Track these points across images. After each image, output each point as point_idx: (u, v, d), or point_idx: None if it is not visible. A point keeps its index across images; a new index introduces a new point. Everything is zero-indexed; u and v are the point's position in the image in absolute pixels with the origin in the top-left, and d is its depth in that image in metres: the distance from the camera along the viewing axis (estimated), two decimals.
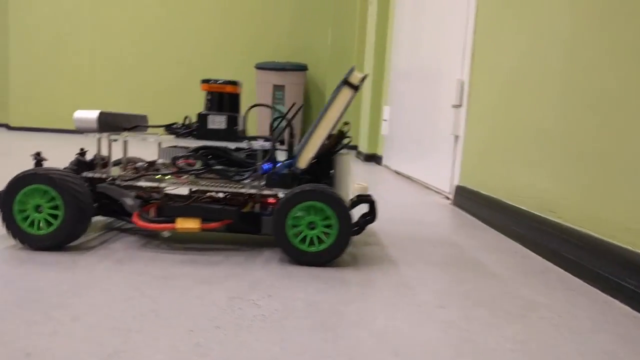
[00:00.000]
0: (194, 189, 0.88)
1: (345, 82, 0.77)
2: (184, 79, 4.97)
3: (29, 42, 4.84)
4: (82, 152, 0.89)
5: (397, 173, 2.85)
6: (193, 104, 4.96)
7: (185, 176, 0.85)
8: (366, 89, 3.83)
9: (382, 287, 0.73)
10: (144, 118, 0.97)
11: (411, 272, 0.81)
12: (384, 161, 3.32)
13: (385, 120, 3.36)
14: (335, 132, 0.85)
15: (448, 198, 1.90)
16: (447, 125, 1.97)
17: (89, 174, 0.82)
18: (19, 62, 4.84)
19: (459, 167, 1.79)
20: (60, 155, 2.51)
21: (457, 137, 1.87)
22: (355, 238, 1.02)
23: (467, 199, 1.63)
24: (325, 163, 0.83)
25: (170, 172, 0.87)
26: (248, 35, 4.98)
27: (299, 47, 4.99)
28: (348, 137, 0.88)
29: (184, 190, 0.88)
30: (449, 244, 1.09)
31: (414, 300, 0.68)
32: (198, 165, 0.86)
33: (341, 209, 0.73)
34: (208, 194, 0.86)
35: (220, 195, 0.86)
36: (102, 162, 0.89)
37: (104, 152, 0.90)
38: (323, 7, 4.93)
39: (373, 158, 3.70)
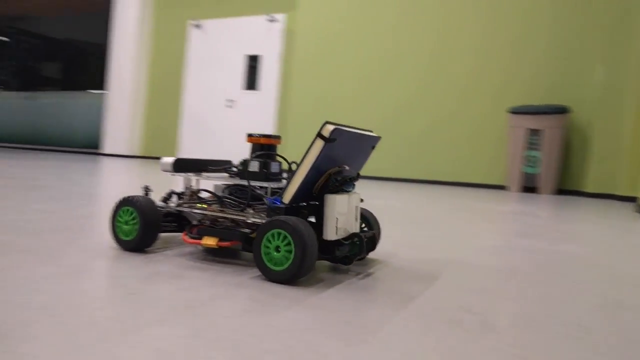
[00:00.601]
0: (208, 214, 1.05)
1: (319, 135, 0.88)
2: (429, 127, 5.01)
3: (307, 97, 5.63)
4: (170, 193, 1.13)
5: None
6: (441, 153, 4.95)
7: (215, 205, 1.04)
8: None
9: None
10: (219, 162, 1.18)
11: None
12: None
13: None
14: (328, 174, 0.95)
15: None
16: None
17: (159, 202, 1.10)
18: (296, 115, 5.65)
19: None
20: None
21: None
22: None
23: None
24: (321, 200, 0.95)
25: (204, 201, 1.06)
26: (498, 76, 4.75)
27: (557, 86, 4.51)
28: (349, 178, 0.96)
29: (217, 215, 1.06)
30: None
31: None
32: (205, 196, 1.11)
33: (299, 237, 0.84)
34: (231, 217, 1.02)
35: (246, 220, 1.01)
36: (189, 192, 1.11)
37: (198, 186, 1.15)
38: (587, 40, 4.36)
39: None
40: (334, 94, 5.45)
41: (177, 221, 1.11)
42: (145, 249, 1.03)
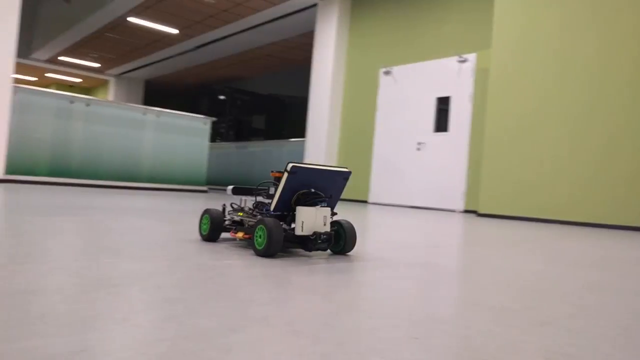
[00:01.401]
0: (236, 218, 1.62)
1: (285, 170, 1.38)
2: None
3: (500, 132, 5.37)
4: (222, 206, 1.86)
5: None
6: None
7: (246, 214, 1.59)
8: None
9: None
10: (260, 188, 1.64)
11: None
12: None
13: None
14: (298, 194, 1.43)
15: None
16: None
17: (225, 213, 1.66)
18: (490, 152, 5.41)
19: None
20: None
21: None
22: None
23: None
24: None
25: (240, 211, 1.62)
26: None
27: None
28: (317, 195, 1.44)
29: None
30: None
31: None
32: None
33: (269, 230, 1.33)
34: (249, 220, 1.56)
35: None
36: (235, 206, 1.68)
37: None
38: None
39: None
40: (531, 130, 5.07)
41: (235, 224, 1.61)
42: (214, 240, 1.61)
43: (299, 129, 13.50)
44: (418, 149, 6.81)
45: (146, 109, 6.49)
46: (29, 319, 0.64)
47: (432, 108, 6.72)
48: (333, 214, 1.47)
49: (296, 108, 14.45)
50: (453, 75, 6.50)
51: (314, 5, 8.22)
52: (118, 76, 15.14)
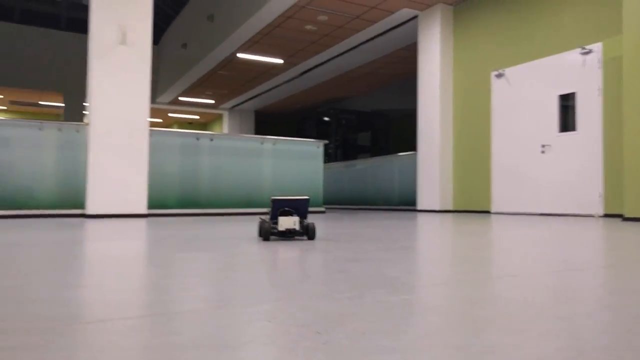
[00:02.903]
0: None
1: (270, 201, 2.58)
2: None
3: None
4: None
5: None
6: None
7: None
8: None
9: None
10: (300, 200, 2.62)
11: None
12: None
13: None
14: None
15: None
16: None
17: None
18: (632, 148, 4.87)
19: None
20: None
21: None
22: None
23: None
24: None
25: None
26: None
27: None
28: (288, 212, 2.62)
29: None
30: None
31: None
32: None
33: (261, 226, 2.55)
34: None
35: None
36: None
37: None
38: None
39: None
40: None
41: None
42: (267, 240, 2.50)
43: (404, 143, 13.36)
44: (542, 152, 6.36)
45: (263, 138, 6.84)
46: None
47: (554, 107, 6.25)
48: (303, 220, 2.59)
49: (401, 122, 14.32)
50: (576, 69, 6.01)
51: (415, 17, 8.15)
52: (230, 109, 16.21)
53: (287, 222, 2.51)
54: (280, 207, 2.56)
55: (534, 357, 0.69)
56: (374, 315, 0.93)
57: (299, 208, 2.61)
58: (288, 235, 2.56)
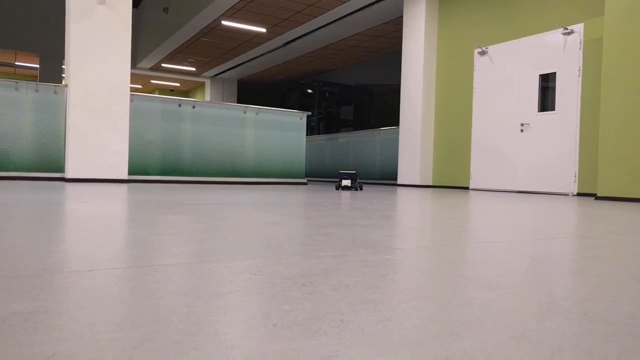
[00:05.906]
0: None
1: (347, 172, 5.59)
2: None
3: (618, 107, 4.93)
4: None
5: None
6: None
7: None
8: None
9: None
10: (352, 173, 5.28)
11: None
12: None
13: None
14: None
15: None
16: None
17: None
18: (608, 130, 4.98)
19: None
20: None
21: None
22: None
23: None
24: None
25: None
26: None
27: None
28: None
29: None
30: None
31: None
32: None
33: (337, 183, 5.76)
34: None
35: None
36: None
37: None
38: None
39: None
40: None
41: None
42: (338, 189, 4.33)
43: (387, 118, 13.38)
44: (521, 131, 6.46)
45: (246, 107, 6.77)
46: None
47: (534, 87, 6.33)
48: (354, 182, 5.02)
49: (384, 97, 14.31)
50: (558, 49, 6.06)
51: None
52: (213, 78, 15.94)
53: (346, 182, 5.42)
54: (344, 176, 5.39)
55: (509, 308, 0.73)
56: (357, 271, 0.96)
57: (351, 177, 5.43)
58: (347, 188, 5.25)
